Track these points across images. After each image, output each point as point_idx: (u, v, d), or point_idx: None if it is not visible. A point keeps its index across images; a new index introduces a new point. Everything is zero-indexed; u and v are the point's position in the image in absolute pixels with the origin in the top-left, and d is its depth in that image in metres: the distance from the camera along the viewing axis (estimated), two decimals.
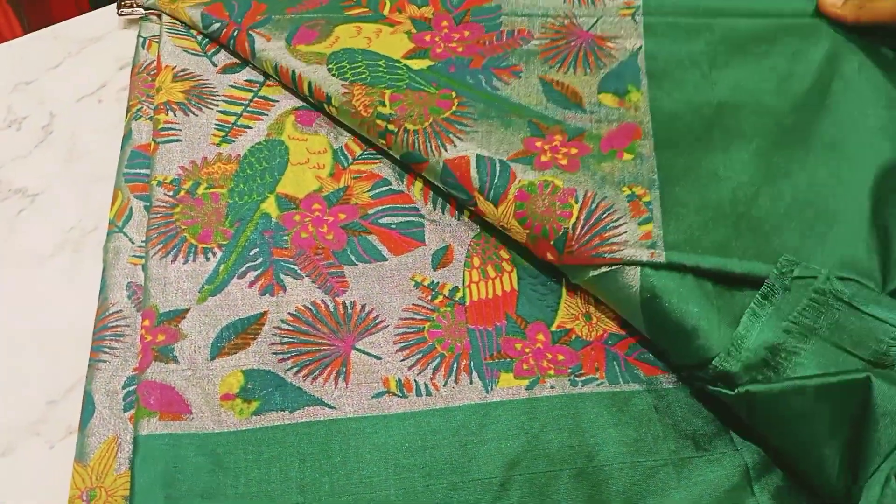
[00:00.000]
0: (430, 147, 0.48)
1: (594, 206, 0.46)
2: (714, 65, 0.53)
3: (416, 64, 0.54)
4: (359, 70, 0.53)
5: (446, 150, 0.48)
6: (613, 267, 0.44)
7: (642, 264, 0.44)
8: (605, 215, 0.45)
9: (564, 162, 0.48)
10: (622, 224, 0.45)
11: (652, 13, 0.56)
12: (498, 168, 0.47)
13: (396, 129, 0.49)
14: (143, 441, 0.40)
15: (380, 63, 0.53)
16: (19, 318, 0.48)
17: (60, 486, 0.41)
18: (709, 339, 0.42)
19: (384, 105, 0.50)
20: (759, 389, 0.40)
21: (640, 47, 0.54)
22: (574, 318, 0.47)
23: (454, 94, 0.52)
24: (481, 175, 0.47)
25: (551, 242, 0.45)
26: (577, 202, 0.46)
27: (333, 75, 0.52)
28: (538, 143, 0.49)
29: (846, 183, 0.48)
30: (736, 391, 0.41)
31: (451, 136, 0.49)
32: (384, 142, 0.50)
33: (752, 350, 0.41)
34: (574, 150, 0.49)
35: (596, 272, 0.45)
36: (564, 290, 0.49)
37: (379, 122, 0.50)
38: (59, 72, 0.60)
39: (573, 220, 0.45)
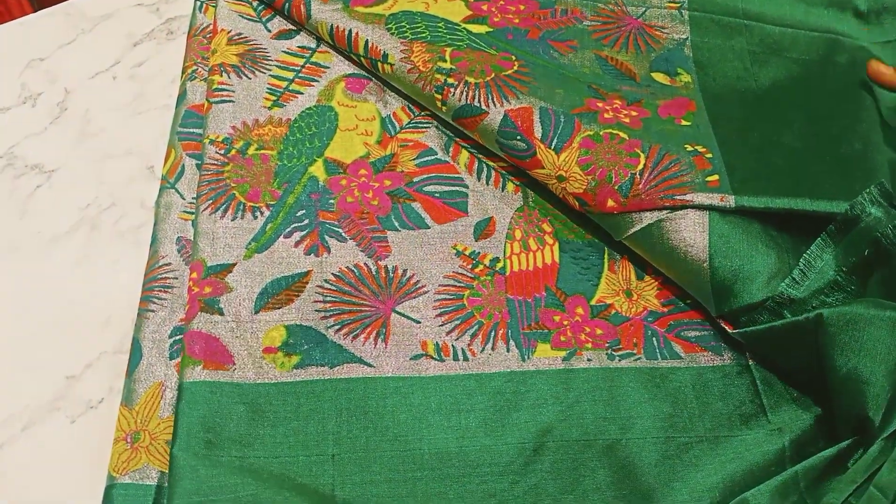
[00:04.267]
0: (492, 98, 0.49)
1: (660, 156, 0.47)
2: (755, 61, 0.57)
3: (475, 28, 0.56)
4: (419, 30, 0.54)
5: (508, 102, 0.49)
6: (676, 212, 0.44)
7: (712, 208, 0.44)
8: (671, 165, 0.46)
9: (627, 121, 0.49)
10: (689, 173, 0.46)
11: (696, 9, 0.59)
12: (562, 119, 0.48)
13: (456, 83, 0.50)
14: (188, 387, 0.41)
15: (439, 25, 0.55)
16: (37, 295, 0.48)
17: (82, 459, 0.42)
18: (776, 275, 0.43)
19: (444, 60, 0.51)
20: (830, 313, 0.40)
21: (687, 38, 0.58)
22: (614, 294, 0.48)
23: (514, 58, 0.53)
24: (544, 125, 0.48)
25: (616, 187, 0.46)
26: (643, 151, 0.47)
27: (392, 34, 0.53)
28: (599, 104, 0.50)
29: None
30: (805, 316, 0.41)
31: (513, 90, 0.50)
32: (440, 97, 0.51)
33: (823, 272, 0.42)
34: (634, 113, 0.50)
35: (655, 219, 0.45)
36: (606, 267, 0.49)
37: (438, 76, 0.50)
38: (72, 48, 0.60)
39: (640, 166, 0.46)
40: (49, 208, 0.52)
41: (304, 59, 0.56)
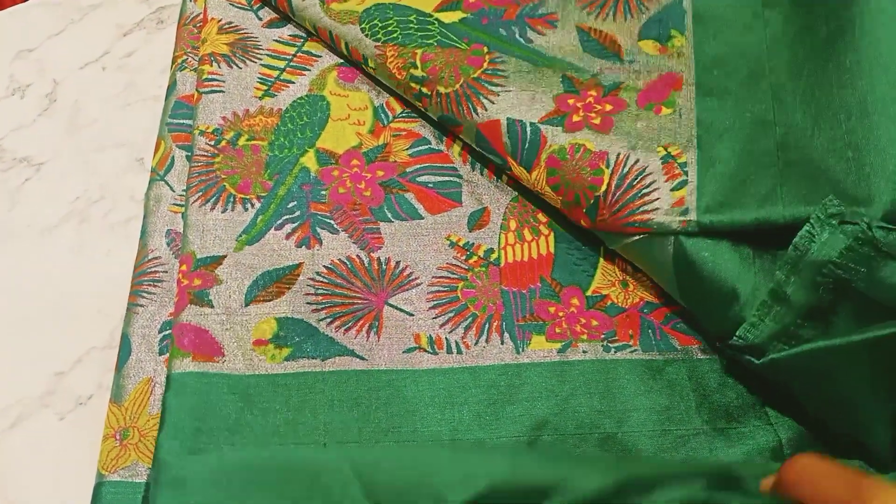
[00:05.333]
0: (463, 111, 0.48)
1: (626, 169, 0.44)
2: (767, 4, 0.50)
3: (448, 17, 0.53)
4: (390, 28, 0.52)
5: (477, 114, 0.48)
6: (642, 236, 0.43)
7: (674, 233, 0.42)
8: (636, 181, 0.44)
9: (597, 121, 0.47)
10: (654, 190, 0.43)
11: None
12: (529, 132, 0.46)
13: (430, 93, 0.49)
14: (176, 378, 0.41)
15: (411, 18, 0.52)
16: (25, 290, 0.48)
17: (71, 456, 0.42)
18: (746, 304, 0.40)
19: (416, 67, 0.49)
20: (780, 356, 0.39)
21: None
22: (610, 285, 0.47)
23: (486, 50, 0.50)
24: (512, 140, 0.47)
25: (584, 210, 0.45)
26: (608, 167, 0.44)
27: (366, 35, 0.52)
28: (571, 101, 0.48)
29: None
30: (761, 361, 0.40)
31: (481, 98, 0.48)
32: (420, 104, 0.50)
33: (778, 317, 0.39)
34: (608, 107, 0.47)
35: (629, 240, 0.44)
36: (602, 257, 0.48)
37: (413, 85, 0.49)
38: (61, 39, 0.59)
39: (604, 187, 0.44)
40: (38, 201, 0.51)
41: (296, 48, 0.55)
